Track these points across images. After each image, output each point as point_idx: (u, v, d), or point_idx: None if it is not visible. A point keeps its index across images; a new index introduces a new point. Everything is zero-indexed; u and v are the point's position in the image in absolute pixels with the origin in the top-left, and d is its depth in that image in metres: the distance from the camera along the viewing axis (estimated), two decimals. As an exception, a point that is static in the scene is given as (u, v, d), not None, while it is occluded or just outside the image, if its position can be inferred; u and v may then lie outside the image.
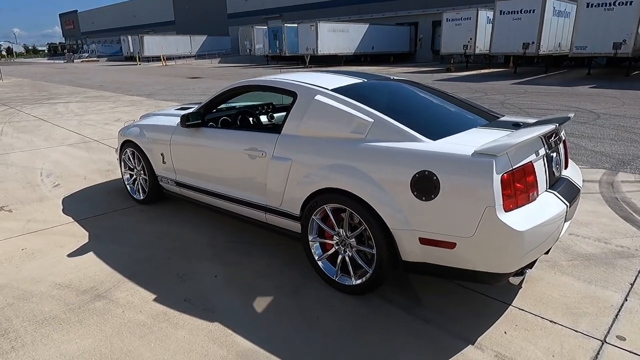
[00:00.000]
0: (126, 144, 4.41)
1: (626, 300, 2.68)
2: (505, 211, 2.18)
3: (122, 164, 4.61)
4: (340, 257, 2.80)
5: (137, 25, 65.84)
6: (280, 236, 3.39)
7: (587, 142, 6.91)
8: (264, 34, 34.31)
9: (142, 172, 4.34)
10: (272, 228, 3.26)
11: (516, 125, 2.72)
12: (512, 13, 19.87)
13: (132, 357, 2.27)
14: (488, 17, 22.78)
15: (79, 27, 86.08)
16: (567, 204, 2.48)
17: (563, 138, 2.88)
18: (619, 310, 2.58)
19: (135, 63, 42.65)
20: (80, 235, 3.77)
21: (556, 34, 20.76)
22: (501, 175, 2.16)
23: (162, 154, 3.98)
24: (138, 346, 2.35)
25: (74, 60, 56.19)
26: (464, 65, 25.27)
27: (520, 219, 2.19)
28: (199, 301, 2.76)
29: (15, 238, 3.73)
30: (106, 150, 6.89)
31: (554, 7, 19.88)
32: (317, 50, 29.37)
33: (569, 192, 2.61)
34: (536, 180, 2.37)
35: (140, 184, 4.43)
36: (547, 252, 2.64)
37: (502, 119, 3.04)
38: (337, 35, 30.33)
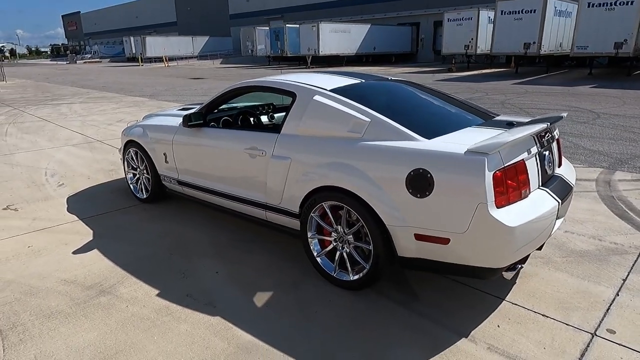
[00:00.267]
0: (129, 144, 4.49)
1: (618, 295, 2.74)
2: (497, 207, 2.25)
3: (126, 163, 4.69)
4: (338, 253, 2.88)
5: (140, 26, 66.08)
6: (280, 234, 3.47)
7: (585, 141, 6.96)
8: (266, 34, 34.42)
9: (145, 171, 4.43)
10: (272, 226, 3.34)
11: (510, 125, 2.78)
12: (513, 13, 19.91)
13: (137, 349, 2.34)
14: (489, 17, 22.81)
15: (81, 28, 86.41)
16: (559, 201, 2.54)
17: (556, 137, 2.94)
18: (610, 304, 2.65)
19: (138, 64, 42.82)
20: (84, 233, 3.85)
21: (557, 34, 20.79)
22: (493, 172, 2.23)
23: (164, 154, 4.06)
24: (142, 339, 2.42)
25: (77, 62, 56.45)
26: (465, 66, 25.30)
27: (512, 215, 2.26)
28: (200, 296, 2.84)
29: (21, 236, 3.81)
30: (109, 150, 6.98)
31: (555, 7, 19.91)
32: (318, 51, 29.46)
33: (561, 190, 2.67)
34: (528, 178, 2.43)
35: (143, 183, 4.51)
36: (540, 248, 2.71)
37: (497, 118, 3.10)
38: (339, 36, 30.41)
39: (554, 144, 2.89)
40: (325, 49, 29.70)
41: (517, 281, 2.93)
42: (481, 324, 2.50)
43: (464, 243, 2.32)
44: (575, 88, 14.45)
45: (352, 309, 2.68)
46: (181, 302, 2.77)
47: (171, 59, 43.46)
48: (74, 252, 3.48)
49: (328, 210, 2.83)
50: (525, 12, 19.52)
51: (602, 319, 2.51)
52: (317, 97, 2.98)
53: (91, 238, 3.75)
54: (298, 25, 31.20)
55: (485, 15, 23.34)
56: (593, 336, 2.37)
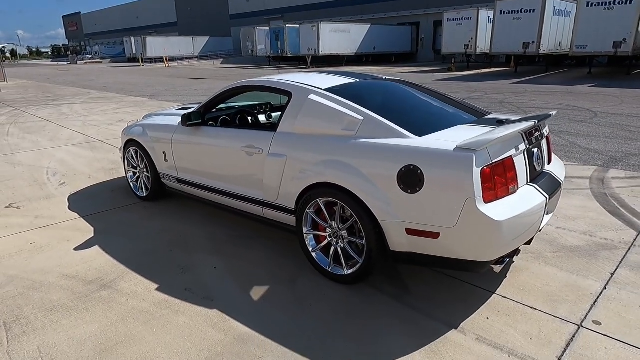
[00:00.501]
0: (129, 143, 4.57)
1: (605, 288, 2.81)
2: (485, 202, 2.32)
3: (126, 162, 4.77)
4: (333, 248, 2.95)
5: (140, 26, 66.21)
6: (277, 230, 3.54)
7: (582, 140, 7.03)
8: (266, 34, 34.51)
9: (145, 170, 4.50)
10: (269, 222, 3.41)
11: (500, 122, 2.85)
12: (512, 13, 19.97)
13: (136, 340, 2.42)
14: (489, 16, 22.88)
15: (82, 28, 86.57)
16: (547, 196, 2.61)
17: (546, 134, 3.01)
18: (597, 297, 2.72)
19: (138, 64, 42.94)
20: (85, 230, 3.93)
21: (557, 33, 20.84)
22: (481, 168, 2.30)
23: (164, 152, 4.14)
24: (141, 331, 2.50)
25: (78, 62, 56.59)
26: (465, 65, 25.37)
27: (500, 209, 2.33)
28: (199, 290, 2.91)
29: (24, 233, 3.89)
30: (110, 150, 7.06)
31: (554, 7, 19.96)
32: (318, 51, 29.54)
33: (550, 186, 2.74)
34: (516, 174, 2.50)
35: (143, 181, 4.59)
36: (529, 243, 2.78)
37: (489, 116, 3.17)
38: (339, 36, 30.49)
39: (544, 142, 2.96)
40: (325, 49, 29.78)
41: (507, 275, 3.00)
42: (471, 316, 2.57)
43: (454, 237, 2.39)
44: (574, 87, 14.51)
45: (346, 302, 2.76)
46: (180, 296, 2.85)
47: (172, 59, 43.57)
48: (76, 249, 3.56)
49: (323, 207, 2.90)
50: (525, 11, 19.58)
51: (589, 311, 2.58)
52: (312, 96, 3.06)
53: (92, 235, 3.83)
54: (298, 26, 31.29)
55: (485, 14, 23.41)
56: (579, 327, 2.44)
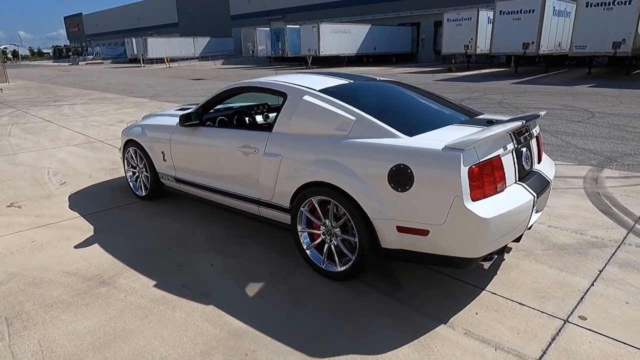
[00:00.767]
0: (129, 143, 4.64)
1: (593, 285, 2.87)
2: (473, 200, 2.38)
3: (125, 162, 4.84)
4: (326, 246, 3.01)
5: (141, 27, 66.38)
6: (273, 229, 3.61)
7: (578, 140, 7.08)
8: (267, 35, 34.61)
9: (144, 169, 4.57)
10: (265, 221, 3.48)
11: (490, 122, 2.91)
12: (512, 13, 20.03)
13: (134, 335, 2.49)
14: (489, 17, 22.94)
15: (83, 29, 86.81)
16: (535, 195, 2.67)
17: (535, 134, 3.07)
18: (585, 294, 2.78)
19: (140, 65, 43.06)
20: (86, 229, 4.00)
21: (556, 34, 20.89)
22: (468, 167, 2.37)
23: (162, 152, 4.21)
24: (139, 325, 2.57)
25: (79, 63, 56.76)
26: (465, 65, 25.43)
27: (487, 207, 2.39)
28: (196, 287, 2.98)
29: (25, 231, 3.96)
30: (110, 150, 7.13)
31: (554, 7, 20.01)
32: (319, 51, 29.62)
33: (538, 185, 2.81)
34: (504, 173, 2.56)
35: (143, 181, 4.66)
36: (518, 240, 2.84)
37: (480, 116, 3.24)
38: (339, 36, 30.57)
39: (533, 141, 3.02)
40: (326, 50, 29.86)
41: (498, 272, 3.06)
42: (460, 311, 2.63)
43: (442, 234, 2.45)
44: (573, 87, 14.56)
45: (340, 298, 2.82)
46: (177, 292, 2.91)
47: (172, 60, 43.70)
48: (76, 247, 3.63)
49: (316, 205, 2.96)
50: (524, 12, 19.64)
51: (575, 307, 2.64)
52: (306, 97, 3.12)
53: (92, 233, 3.90)
54: (298, 26, 31.37)
55: (485, 15, 23.47)
56: (565, 322, 2.50)
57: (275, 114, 4.72)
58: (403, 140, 2.62)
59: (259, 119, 4.62)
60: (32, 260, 3.42)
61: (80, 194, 4.99)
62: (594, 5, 17.34)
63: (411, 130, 2.72)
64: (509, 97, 12.62)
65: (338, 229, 2.92)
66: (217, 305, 2.76)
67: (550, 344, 2.32)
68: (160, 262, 3.35)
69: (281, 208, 3.22)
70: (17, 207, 4.61)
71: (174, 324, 2.58)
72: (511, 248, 3.40)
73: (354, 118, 2.84)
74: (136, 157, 4.64)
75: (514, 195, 2.58)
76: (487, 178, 2.45)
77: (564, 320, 2.52)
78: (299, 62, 34.05)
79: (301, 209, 3.05)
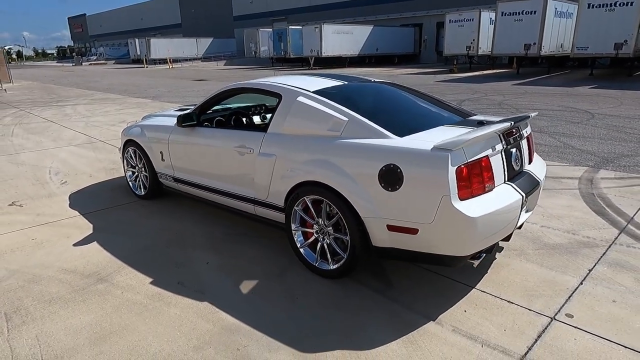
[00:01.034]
0: (128, 143, 4.71)
1: (582, 284, 2.91)
2: (461, 199, 2.43)
3: (125, 162, 4.91)
4: (319, 244, 3.07)
5: (145, 28, 66.66)
6: (268, 227, 3.66)
7: (576, 141, 7.11)
8: (269, 36, 34.72)
9: (143, 169, 4.64)
10: (260, 220, 3.54)
11: (480, 123, 2.96)
12: (513, 14, 20.04)
13: (129, 330, 2.55)
14: (491, 18, 22.96)
15: (87, 30, 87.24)
16: (523, 194, 2.72)
17: (525, 135, 3.11)
18: (573, 292, 2.82)
19: (143, 66, 43.25)
20: (85, 228, 4.07)
21: (558, 35, 20.89)
22: (456, 167, 2.41)
23: (161, 152, 4.27)
24: (134, 321, 2.63)
25: (83, 63, 57.03)
26: (467, 66, 25.45)
27: (475, 207, 2.44)
28: (191, 284, 3.04)
29: (25, 230, 4.03)
30: (111, 150, 7.21)
31: (556, 8, 20.02)
32: (321, 52, 29.70)
33: (527, 185, 2.85)
34: (492, 173, 2.61)
35: (142, 180, 4.73)
36: (507, 239, 2.89)
37: (471, 117, 3.28)
38: (341, 37, 30.64)
39: (523, 142, 3.06)
40: (328, 50, 29.93)
41: (488, 271, 3.11)
42: (449, 309, 2.68)
43: (431, 233, 2.50)
44: (574, 89, 14.56)
45: (332, 295, 2.87)
46: (173, 289, 2.97)
47: (175, 60, 43.86)
48: (75, 245, 3.70)
49: (310, 204, 3.02)
50: (526, 13, 19.65)
51: (563, 305, 2.68)
52: (300, 98, 3.18)
53: (91, 232, 3.96)
54: (301, 27, 31.45)
55: (487, 16, 23.49)
56: (552, 320, 2.54)
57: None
58: (393, 141, 2.67)
59: (257, 119, 4.68)
60: (32, 257, 3.49)
61: (80, 193, 5.06)
62: (596, 7, 17.33)
63: (402, 130, 2.78)
64: (510, 98, 12.64)
65: (331, 228, 2.97)
66: (212, 302, 2.81)
67: (536, 340, 2.37)
68: (158, 260, 3.41)
69: (276, 207, 3.28)
70: (18, 206, 4.68)
71: (168, 320, 2.63)
72: (502, 247, 3.45)
73: (346, 119, 2.90)
74: (135, 157, 4.70)
75: (503, 195, 2.62)
76: (475, 178, 2.50)
77: (550, 317, 2.56)
78: (301, 63, 34.12)
79: (295, 208, 3.10)
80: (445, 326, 2.52)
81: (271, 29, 35.10)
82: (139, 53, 45.91)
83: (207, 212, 4.36)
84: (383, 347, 2.35)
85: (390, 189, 2.58)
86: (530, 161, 3.19)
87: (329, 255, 3.02)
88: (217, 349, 2.37)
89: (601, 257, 3.27)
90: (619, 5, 16.93)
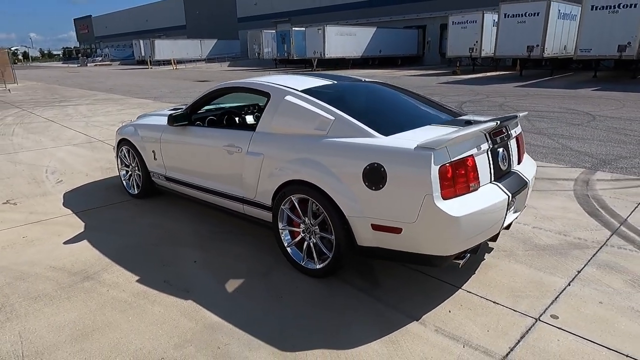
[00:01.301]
0: (122, 142, 4.72)
1: (569, 285, 2.89)
2: (444, 199, 2.41)
3: (119, 161, 4.93)
4: (306, 243, 3.06)
5: (150, 29, 66.96)
6: (257, 226, 3.65)
7: (574, 142, 7.07)
8: (272, 37, 34.77)
9: (136, 168, 4.65)
10: (249, 218, 3.53)
11: (468, 123, 2.94)
12: (516, 16, 19.98)
13: (112, 327, 2.54)
14: (494, 20, 22.87)
15: (93, 31, 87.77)
16: (509, 194, 2.69)
17: (515, 135, 3.09)
18: (560, 293, 2.79)
19: (147, 67, 43.43)
20: (77, 226, 4.08)
21: (561, 37, 20.79)
22: (439, 166, 2.40)
23: (153, 151, 4.28)
24: (118, 319, 2.63)
25: (88, 64, 57.32)
26: (470, 68, 25.37)
27: (458, 206, 2.42)
28: (177, 282, 3.04)
29: (17, 227, 4.05)
30: (109, 149, 7.23)
31: (559, 10, 19.93)
32: (324, 54, 29.71)
33: (514, 185, 2.83)
34: (477, 172, 2.59)
35: (135, 179, 4.74)
36: (494, 239, 2.87)
37: (460, 117, 3.27)
38: (345, 39, 30.64)
39: (512, 142, 3.04)
40: (331, 52, 29.94)
41: (476, 271, 3.09)
42: (434, 309, 2.66)
43: (414, 232, 2.49)
44: (577, 91, 14.49)
45: (317, 294, 2.86)
46: (158, 287, 2.97)
47: (180, 61, 44.00)
48: (65, 243, 3.71)
49: (296, 203, 3.01)
50: (529, 15, 19.58)
51: (549, 306, 2.66)
52: (288, 97, 3.18)
53: (82, 230, 3.98)
54: (304, 29, 31.49)
55: (490, 18, 23.42)
56: (536, 321, 2.52)
57: None
58: (378, 140, 2.66)
59: (250, 119, 4.68)
60: (22, 255, 3.50)
61: (75, 192, 5.08)
62: (600, 9, 17.25)
63: (388, 130, 2.76)
64: (511, 100, 12.59)
65: (317, 227, 2.96)
66: (196, 300, 2.81)
67: (519, 341, 2.35)
68: (146, 258, 3.41)
69: (263, 206, 3.27)
70: (12, 204, 4.70)
71: (151, 318, 2.63)
72: (492, 248, 3.42)
73: (333, 118, 2.89)
74: (129, 156, 4.72)
75: (488, 195, 2.60)
76: (459, 177, 2.48)
77: (535, 318, 2.54)
78: (304, 65, 34.14)
79: (282, 207, 3.10)
80: (428, 326, 2.50)
81: (274, 31, 35.16)
82: (143, 54, 46.08)
83: (198, 211, 4.36)
84: (364, 347, 2.34)
85: (374, 188, 2.57)
86: (519, 161, 3.17)
87: (315, 255, 3.01)
88: (198, 347, 2.37)
89: (591, 258, 3.24)
90: (623, 7, 16.84)
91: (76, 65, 58.20)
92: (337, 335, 2.45)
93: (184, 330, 2.51)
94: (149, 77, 28.79)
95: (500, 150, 2.84)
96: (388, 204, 2.54)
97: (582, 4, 17.71)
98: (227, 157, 3.46)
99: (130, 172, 4.82)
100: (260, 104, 4.83)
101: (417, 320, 2.56)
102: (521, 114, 3.08)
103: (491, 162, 2.74)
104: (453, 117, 3.26)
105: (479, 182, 2.61)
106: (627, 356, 2.21)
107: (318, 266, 2.99)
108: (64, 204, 4.67)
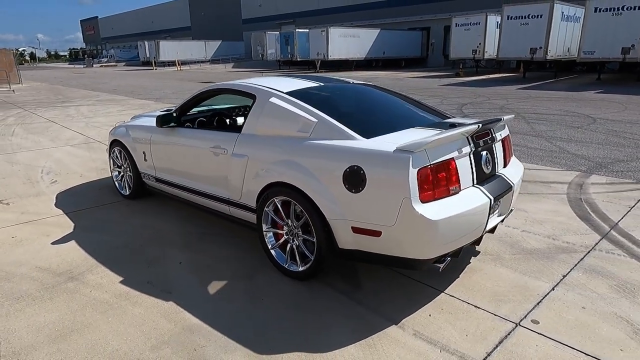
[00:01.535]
0: (114, 143, 4.74)
1: (553, 290, 2.86)
2: (422, 202, 2.40)
3: (111, 161, 4.94)
4: (289, 245, 3.05)
5: (155, 30, 67.36)
6: (244, 228, 3.65)
7: (572, 145, 7.02)
8: (276, 39, 34.86)
9: (128, 169, 4.67)
10: (236, 220, 3.53)
11: (452, 126, 2.92)
12: (519, 18, 19.91)
13: (91, 328, 2.55)
14: (497, 22, 22.78)
15: (99, 32, 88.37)
16: (491, 198, 2.67)
17: (500, 138, 3.07)
18: (543, 298, 2.77)
19: (152, 68, 43.65)
20: (67, 226, 4.09)
21: (565, 39, 20.69)
22: (418, 169, 2.38)
23: (143, 152, 4.29)
24: (97, 320, 2.63)
25: (93, 65, 57.70)
26: (473, 70, 25.29)
27: (436, 209, 2.41)
28: (160, 284, 3.04)
29: (8, 227, 4.07)
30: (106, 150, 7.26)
31: (563, 12, 19.83)
32: (327, 55, 29.74)
33: (497, 188, 2.81)
34: (458, 176, 2.57)
35: (127, 180, 4.75)
36: (477, 243, 2.85)
37: (447, 120, 3.25)
38: (348, 41, 30.66)
39: (497, 145, 3.02)
40: (334, 54, 29.96)
41: (460, 275, 3.06)
42: (414, 313, 2.65)
43: (393, 235, 2.48)
44: (580, 93, 14.40)
45: (299, 297, 2.85)
46: (141, 289, 2.97)
47: (184, 63, 44.21)
48: (53, 243, 3.72)
49: (279, 205, 3.01)
50: (532, 17, 19.50)
51: (530, 311, 2.63)
52: (272, 99, 3.17)
53: (72, 230, 3.99)
54: (308, 30, 31.54)
55: (494, 20, 23.35)
56: (516, 326, 2.49)
57: None
58: (359, 142, 2.65)
59: (239, 120, 4.68)
60: (9, 255, 3.52)
61: (67, 193, 5.10)
62: (603, 11, 17.16)
63: (369, 132, 2.75)
64: (512, 103, 12.53)
65: (299, 230, 2.95)
66: (177, 302, 2.81)
67: (497, 346, 2.33)
68: (132, 259, 3.41)
69: (248, 208, 3.27)
70: (5, 204, 4.73)
71: (131, 319, 2.63)
72: (479, 252, 3.40)
73: (316, 120, 2.88)
74: (121, 156, 4.73)
75: (469, 198, 2.59)
76: (438, 180, 2.46)
77: (515, 323, 2.52)
78: (308, 66, 34.19)
79: (266, 209, 3.09)
80: (407, 330, 2.48)
81: (278, 32, 35.24)
82: (148, 55, 46.34)
83: (189, 212, 4.36)
84: (340, 350, 2.33)
85: (354, 191, 2.56)
86: (505, 164, 3.15)
87: (297, 257, 3.00)
88: (174, 349, 2.36)
89: (578, 263, 3.21)
90: (627, 9, 16.74)
91: (82, 66, 58.60)
92: (315, 339, 2.44)
93: (162, 332, 2.51)
94: (153, 78, 28.93)
95: (484, 153, 2.82)
96: (368, 207, 2.53)
97: (586, 6, 17.62)
98: (213, 158, 3.46)
99: (122, 173, 4.83)
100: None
101: (396, 323, 2.54)
102: (506, 117, 3.05)
103: (474, 165, 2.72)
104: (439, 120, 3.24)
105: (460, 186, 2.60)
106: (605, 362, 2.19)
107: (300, 268, 2.98)
108: (56, 205, 4.69)
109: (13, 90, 19.89)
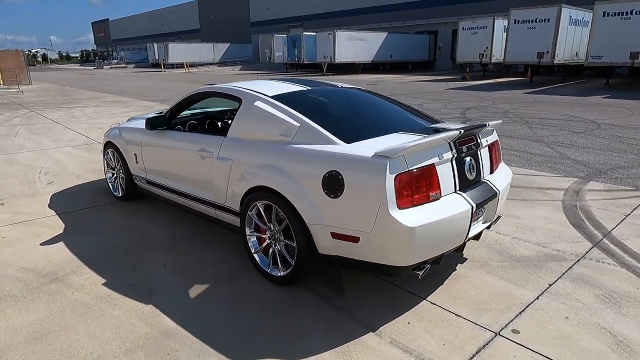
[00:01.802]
0: (108, 145, 4.77)
1: (537, 299, 2.81)
2: (400, 208, 2.37)
3: (105, 163, 4.97)
4: (271, 250, 3.04)
5: (165, 33, 67.93)
6: (231, 231, 3.64)
7: (573, 151, 6.93)
8: (284, 42, 34.96)
9: (120, 171, 4.69)
10: (222, 223, 3.52)
11: (436, 131, 2.89)
12: (526, 22, 19.75)
13: (67, 331, 2.55)
14: (504, 26, 22.63)
15: (109, 34, 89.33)
16: (473, 205, 2.63)
17: (486, 144, 3.02)
18: (526, 307, 2.72)
19: (160, 70, 43.99)
20: (57, 227, 4.11)
21: (573, 43, 20.49)
22: (395, 175, 2.35)
23: (135, 154, 4.31)
24: (75, 322, 2.63)
25: (103, 67, 58.32)
26: (480, 74, 25.14)
27: (414, 216, 2.37)
28: (142, 286, 3.04)
29: (0, 228, 4.10)
30: (106, 151, 7.31)
31: (570, 16, 19.65)
32: (334, 59, 29.75)
33: (481, 195, 2.76)
34: (438, 182, 2.54)
35: (120, 182, 4.77)
36: (459, 250, 2.81)
37: (433, 125, 3.21)
38: (355, 44, 30.65)
39: (483, 151, 2.98)
40: (341, 57, 29.97)
41: (444, 282, 3.02)
42: (393, 320, 2.61)
43: (371, 242, 2.45)
44: (586, 98, 14.25)
45: (279, 301, 2.83)
46: (122, 291, 2.97)
47: (192, 65, 44.51)
48: (42, 244, 3.74)
49: (262, 209, 2.99)
50: (539, 21, 19.34)
51: (512, 320, 2.59)
52: (257, 103, 3.17)
53: (62, 231, 4.01)
54: (315, 33, 31.59)
55: (501, 24, 23.20)
56: (496, 335, 2.45)
57: None
58: (339, 147, 2.63)
59: (228, 123, 4.68)
60: (-2, 255, 3.54)
61: (62, 194, 5.13)
62: (611, 15, 16.97)
63: (351, 137, 2.73)
64: (517, 107, 12.43)
65: (281, 234, 2.94)
66: (157, 305, 2.80)
67: (474, 356, 2.29)
68: (118, 261, 3.42)
69: (233, 211, 3.26)
70: (0, 205, 4.77)
71: (109, 322, 2.63)
72: (466, 258, 3.36)
73: (298, 124, 2.87)
74: (114, 158, 4.76)
75: (449, 205, 2.55)
76: (417, 186, 2.43)
77: (495, 333, 2.47)
78: (315, 69, 34.23)
79: (249, 212, 3.08)
80: (383, 338, 2.45)
81: (286, 35, 35.36)
82: (157, 57, 46.73)
83: (179, 215, 4.36)
84: (314, 357, 2.30)
85: (332, 196, 2.54)
86: (492, 171, 3.10)
87: (279, 261, 2.99)
88: (148, 353, 2.35)
89: (566, 271, 3.15)
90: (635, 13, 16.54)
91: (92, 68, 59.24)
92: (290, 344, 2.41)
93: (138, 336, 2.50)
94: (161, 80, 29.15)
95: (468, 159, 2.78)
96: (346, 213, 2.51)
97: (594, 11, 17.45)
98: (200, 161, 3.46)
99: (115, 175, 4.86)
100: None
101: (374, 331, 2.51)
102: (492, 123, 3.01)
103: (456, 171, 2.68)
104: (425, 125, 3.21)
105: (441, 192, 2.56)
106: (582, 375, 2.14)
107: (281, 273, 2.96)
108: (49, 205, 4.72)
109: (22, 92, 20.15)
